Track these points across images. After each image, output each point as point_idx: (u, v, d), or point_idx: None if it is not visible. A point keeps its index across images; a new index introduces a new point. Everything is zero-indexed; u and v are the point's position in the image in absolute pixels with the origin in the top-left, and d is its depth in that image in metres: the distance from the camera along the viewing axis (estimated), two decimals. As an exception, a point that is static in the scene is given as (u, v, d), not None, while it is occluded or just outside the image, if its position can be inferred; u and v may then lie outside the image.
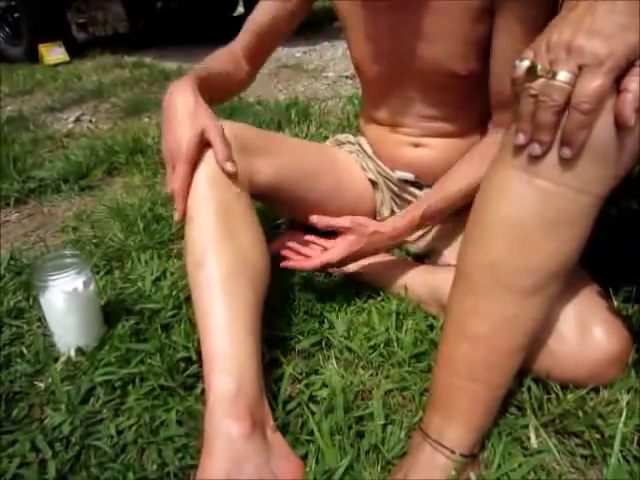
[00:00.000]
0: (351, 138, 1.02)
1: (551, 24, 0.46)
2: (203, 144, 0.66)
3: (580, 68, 0.42)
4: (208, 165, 0.66)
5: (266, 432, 0.56)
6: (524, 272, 0.52)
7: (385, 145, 0.91)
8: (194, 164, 0.66)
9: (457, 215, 0.90)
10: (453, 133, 0.85)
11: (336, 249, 0.81)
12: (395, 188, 0.94)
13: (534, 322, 0.54)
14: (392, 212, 0.97)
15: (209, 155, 0.67)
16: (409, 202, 0.92)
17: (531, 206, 0.49)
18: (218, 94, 0.84)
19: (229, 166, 0.66)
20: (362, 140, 0.98)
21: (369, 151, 0.95)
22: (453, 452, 0.53)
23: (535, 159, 0.47)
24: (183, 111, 0.67)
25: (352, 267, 0.91)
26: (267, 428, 0.57)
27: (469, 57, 0.75)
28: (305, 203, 0.87)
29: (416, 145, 0.87)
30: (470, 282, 0.55)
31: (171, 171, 0.67)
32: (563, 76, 0.43)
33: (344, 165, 0.95)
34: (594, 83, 0.42)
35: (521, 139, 0.47)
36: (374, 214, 0.98)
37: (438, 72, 0.77)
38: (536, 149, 0.46)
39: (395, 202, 0.97)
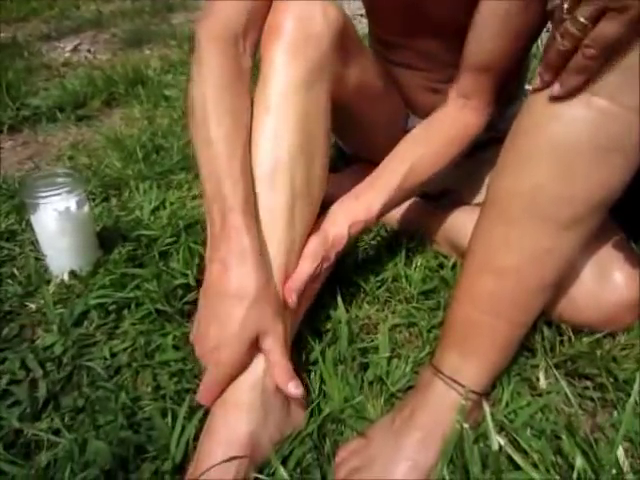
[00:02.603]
0: None
1: None
2: (253, 349, 0.49)
3: (604, 12, 0.39)
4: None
5: None
6: (565, 201, 0.47)
7: (401, 87, 0.82)
8: (235, 374, 0.49)
9: (470, 155, 0.85)
10: None
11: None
12: None
13: (567, 258, 0.50)
14: None
15: None
16: None
17: (584, 128, 0.44)
18: None
19: (293, 388, 0.49)
20: None
21: None
22: (468, 390, 0.51)
23: (595, 78, 0.42)
24: (238, 299, 0.48)
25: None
26: None
27: None
28: (368, 125, 0.78)
29: (435, 91, 0.79)
30: (502, 210, 0.51)
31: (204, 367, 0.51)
32: (577, 23, 0.40)
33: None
34: (610, 30, 0.39)
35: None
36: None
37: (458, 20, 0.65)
38: (555, 88, 0.45)
39: None
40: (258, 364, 0.49)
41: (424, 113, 0.76)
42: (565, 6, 0.41)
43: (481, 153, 0.77)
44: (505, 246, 0.50)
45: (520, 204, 0.49)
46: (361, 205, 0.61)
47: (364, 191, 0.62)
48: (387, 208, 0.63)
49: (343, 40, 0.58)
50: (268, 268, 0.51)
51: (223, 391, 0.49)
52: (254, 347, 0.49)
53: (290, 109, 0.54)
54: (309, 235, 0.57)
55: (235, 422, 0.46)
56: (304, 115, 0.54)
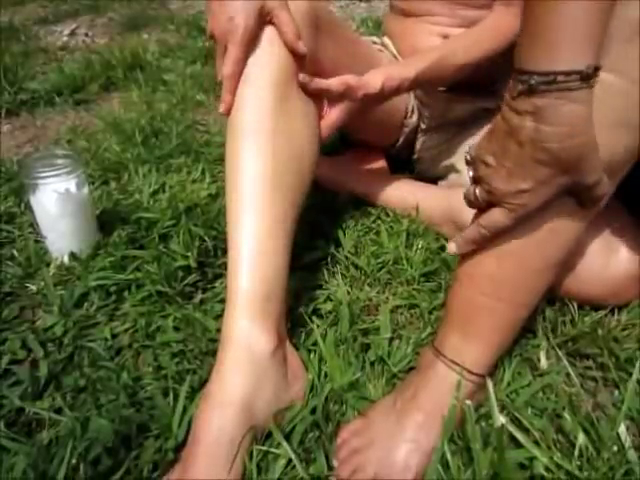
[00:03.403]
0: (375, 39, 0.94)
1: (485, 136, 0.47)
2: (263, 21, 0.55)
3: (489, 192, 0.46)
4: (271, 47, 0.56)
5: (285, 346, 0.53)
6: None
7: (411, 37, 0.83)
8: (251, 46, 0.54)
9: (472, 134, 0.85)
10: None
11: (330, 116, 0.68)
12: (418, 92, 0.87)
13: (571, 237, 0.50)
14: (419, 117, 0.89)
15: (270, 34, 0.55)
16: (433, 108, 0.86)
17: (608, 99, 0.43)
18: None
19: (301, 46, 0.55)
20: (386, 40, 0.90)
21: (393, 50, 0.88)
22: (469, 371, 0.50)
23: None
24: None
25: (361, 188, 0.87)
26: (286, 341, 0.54)
27: None
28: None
29: (445, 36, 0.79)
30: None
31: (222, 53, 0.55)
32: (477, 202, 0.48)
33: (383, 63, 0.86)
34: (499, 219, 0.46)
35: None
36: (403, 121, 0.89)
37: None
38: (451, 247, 0.52)
39: (419, 111, 0.89)
40: (250, 325, 0.49)
41: None
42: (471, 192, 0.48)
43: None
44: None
45: None
46: (399, 66, 0.68)
47: (402, 61, 0.69)
48: (421, 78, 0.68)
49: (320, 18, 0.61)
50: None
51: (217, 354, 0.49)
52: (262, 21, 0.54)
53: (266, 77, 0.55)
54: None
55: (230, 384, 0.47)
56: (281, 82, 0.56)
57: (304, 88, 0.58)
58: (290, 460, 0.46)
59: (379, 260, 0.71)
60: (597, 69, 0.39)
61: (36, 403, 0.53)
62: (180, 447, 0.48)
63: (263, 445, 0.47)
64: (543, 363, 0.59)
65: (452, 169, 0.84)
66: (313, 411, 0.51)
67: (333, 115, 0.66)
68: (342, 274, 0.70)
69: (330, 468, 0.47)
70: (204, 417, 0.46)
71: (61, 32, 2.02)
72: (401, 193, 0.84)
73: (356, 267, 0.72)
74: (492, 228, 0.47)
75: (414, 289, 0.67)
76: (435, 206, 0.79)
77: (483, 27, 0.73)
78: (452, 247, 0.51)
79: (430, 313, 0.64)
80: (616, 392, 0.55)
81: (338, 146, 1.01)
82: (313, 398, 0.52)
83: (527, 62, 0.41)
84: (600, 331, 0.59)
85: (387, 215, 0.82)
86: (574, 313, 0.62)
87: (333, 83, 0.61)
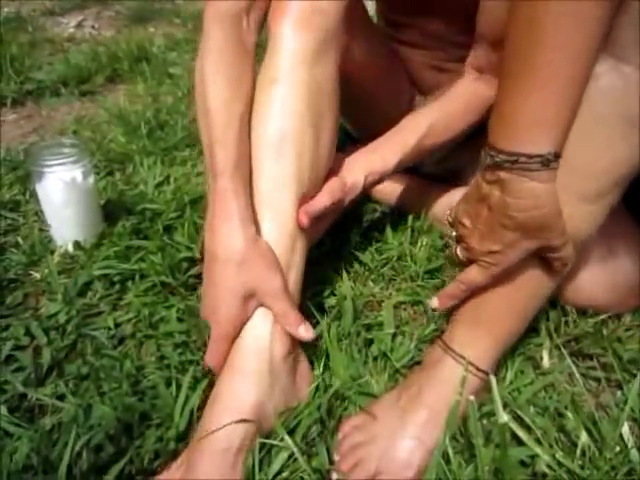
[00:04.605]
0: None
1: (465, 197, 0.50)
2: (252, 308, 0.49)
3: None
4: None
5: (297, 349, 0.53)
6: (590, 174, 0.46)
7: (408, 65, 0.81)
8: (234, 338, 0.49)
9: (479, 137, 0.84)
10: None
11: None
12: (420, 98, 0.87)
13: (585, 233, 0.50)
14: None
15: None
16: None
17: (610, 96, 0.43)
18: None
19: (304, 332, 0.49)
20: None
21: None
22: (476, 367, 0.50)
23: (623, 43, 0.41)
24: (225, 261, 0.48)
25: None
26: (297, 344, 0.53)
27: None
28: (373, 102, 0.78)
29: (441, 70, 0.78)
30: None
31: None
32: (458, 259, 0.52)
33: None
34: (476, 276, 0.49)
35: None
36: None
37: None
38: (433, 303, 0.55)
39: None
40: (265, 329, 0.49)
41: (430, 92, 0.75)
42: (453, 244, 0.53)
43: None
44: None
45: None
46: (378, 157, 0.62)
47: (382, 145, 0.64)
48: (402, 164, 0.64)
49: (350, 13, 0.57)
50: (259, 230, 0.51)
51: (229, 356, 0.48)
52: (252, 303, 0.49)
53: (298, 80, 0.53)
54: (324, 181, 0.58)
55: (242, 390, 0.46)
56: (313, 86, 0.53)
57: (305, 221, 0.52)
58: (292, 454, 0.46)
59: (383, 256, 0.71)
60: (557, 156, 0.42)
61: (39, 389, 0.53)
62: (182, 437, 0.48)
63: (266, 439, 0.47)
64: (546, 362, 0.59)
65: (458, 173, 0.83)
66: (317, 407, 0.51)
67: (322, 223, 0.61)
68: (346, 269, 0.70)
69: (332, 462, 0.47)
70: (213, 420, 0.45)
71: (67, 24, 2.02)
72: (406, 191, 0.84)
73: (360, 263, 0.72)
74: (469, 284, 0.50)
75: (418, 286, 0.67)
76: (439, 204, 0.79)
77: (458, 99, 0.67)
78: (434, 302, 0.54)
79: (434, 310, 0.63)
80: (619, 393, 0.55)
81: (342, 142, 1.00)
82: (317, 394, 0.52)
83: (495, 140, 0.44)
84: (603, 331, 0.59)
85: (392, 212, 0.82)
86: (577, 313, 0.62)
87: (325, 201, 0.55)
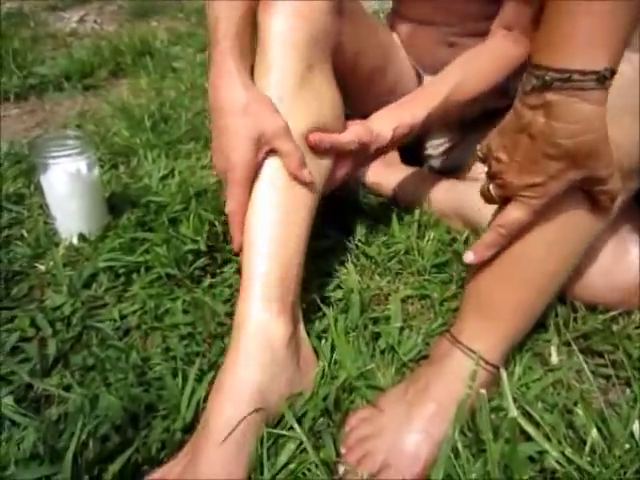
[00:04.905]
0: None
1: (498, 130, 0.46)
2: (263, 152, 0.52)
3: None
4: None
5: (299, 334, 0.52)
6: None
7: (416, 43, 0.81)
8: (251, 182, 0.52)
9: (484, 130, 0.84)
10: None
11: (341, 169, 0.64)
12: None
13: (588, 237, 0.50)
14: None
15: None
16: None
17: (624, 86, 0.42)
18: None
19: (306, 175, 0.52)
20: (395, 37, 0.89)
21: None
22: (485, 361, 0.50)
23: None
24: (231, 112, 0.51)
25: (373, 179, 0.86)
26: (300, 328, 0.53)
27: None
28: (374, 89, 0.77)
29: (451, 44, 0.78)
30: None
31: (225, 186, 0.54)
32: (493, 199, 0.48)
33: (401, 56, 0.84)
34: (516, 215, 0.46)
35: None
36: None
37: None
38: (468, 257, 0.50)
39: None
40: (265, 315, 0.49)
41: (439, 68, 0.74)
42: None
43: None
44: None
45: None
46: (407, 111, 0.63)
47: (410, 101, 0.64)
48: (430, 119, 0.64)
49: (341, 3, 0.58)
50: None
51: (231, 342, 0.48)
52: (262, 148, 0.51)
53: (293, 66, 0.53)
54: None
55: (245, 377, 0.46)
56: (307, 71, 0.54)
57: (317, 146, 0.54)
58: (299, 445, 0.46)
59: (390, 250, 0.71)
60: (613, 72, 0.39)
61: (45, 380, 0.53)
62: (188, 428, 0.48)
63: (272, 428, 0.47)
64: (554, 358, 0.58)
65: (463, 167, 0.83)
66: (324, 398, 0.50)
67: (344, 168, 0.62)
68: (353, 263, 0.70)
69: (339, 455, 0.47)
70: (216, 409, 0.45)
71: (70, 19, 2.02)
72: (413, 185, 0.83)
73: (367, 256, 0.71)
74: (510, 226, 0.46)
75: (425, 280, 0.67)
76: (446, 199, 0.78)
77: (486, 57, 0.68)
78: (469, 256, 0.50)
79: (441, 304, 0.63)
80: (628, 390, 0.54)
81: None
82: (324, 386, 0.51)
83: (543, 58, 0.41)
84: (613, 328, 0.59)
85: (399, 206, 0.82)
86: (586, 309, 0.61)
87: (346, 139, 0.57)
